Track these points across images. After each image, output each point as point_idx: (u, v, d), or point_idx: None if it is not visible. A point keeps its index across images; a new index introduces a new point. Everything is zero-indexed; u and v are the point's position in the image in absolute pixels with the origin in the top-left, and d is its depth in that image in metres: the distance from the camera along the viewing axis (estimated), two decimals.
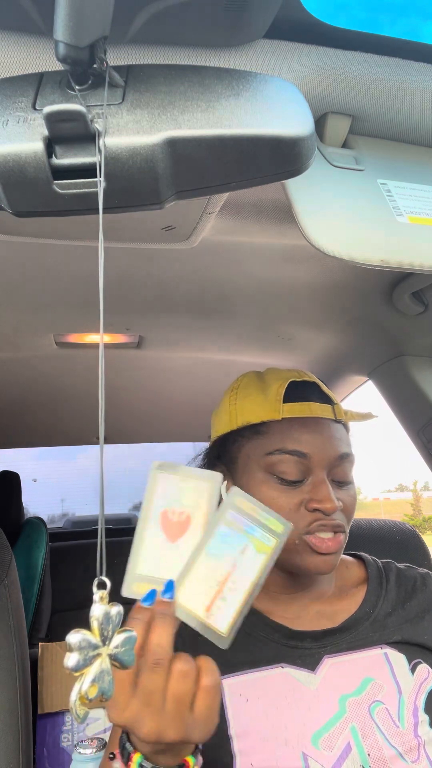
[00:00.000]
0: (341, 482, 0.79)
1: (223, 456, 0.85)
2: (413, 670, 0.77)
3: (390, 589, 0.83)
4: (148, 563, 0.58)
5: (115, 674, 0.47)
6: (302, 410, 0.78)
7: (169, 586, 0.55)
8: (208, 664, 0.55)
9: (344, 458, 0.79)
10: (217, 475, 0.59)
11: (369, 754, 0.70)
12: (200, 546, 0.57)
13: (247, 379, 0.87)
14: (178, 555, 0.57)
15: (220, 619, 0.56)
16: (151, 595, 0.55)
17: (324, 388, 0.84)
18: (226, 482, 0.84)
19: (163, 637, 0.53)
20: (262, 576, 0.57)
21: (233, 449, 0.83)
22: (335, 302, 1.22)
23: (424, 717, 0.74)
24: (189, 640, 0.79)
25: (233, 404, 0.84)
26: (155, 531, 0.58)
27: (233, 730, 0.73)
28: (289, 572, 0.80)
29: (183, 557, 0.57)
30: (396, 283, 1.12)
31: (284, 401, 0.78)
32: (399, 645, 0.79)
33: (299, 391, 0.81)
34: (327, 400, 0.82)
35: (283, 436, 0.77)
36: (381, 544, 1.06)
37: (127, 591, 0.56)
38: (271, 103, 0.46)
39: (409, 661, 0.77)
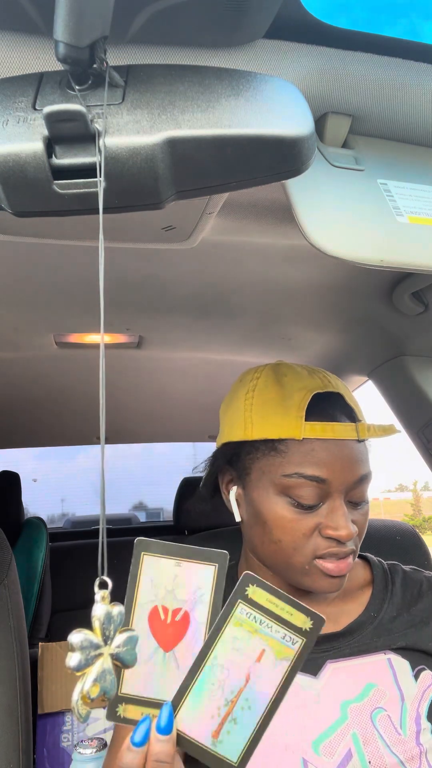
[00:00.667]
0: (357, 503, 0.76)
1: (235, 463, 0.80)
2: (416, 676, 0.76)
3: (395, 593, 0.82)
4: (137, 680, 0.45)
5: None
6: (325, 431, 0.72)
7: (166, 712, 0.44)
8: None
9: (363, 480, 0.75)
10: (223, 555, 0.47)
11: (370, 762, 0.70)
12: (203, 654, 0.46)
13: (264, 379, 0.79)
14: (175, 668, 0.45)
15: (232, 747, 0.45)
16: (144, 727, 0.44)
17: (348, 399, 0.79)
18: (236, 488, 0.81)
19: None
20: (284, 689, 0.47)
21: (246, 460, 0.77)
22: (335, 302, 1.22)
23: (426, 725, 0.73)
24: None
25: (248, 410, 0.77)
26: (144, 637, 0.45)
27: None
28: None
29: (181, 670, 0.45)
30: (396, 283, 1.12)
31: (306, 417, 0.72)
32: (403, 651, 0.77)
33: (323, 406, 0.75)
34: (351, 415, 0.77)
35: (302, 459, 0.72)
36: (381, 544, 1.06)
37: (111, 716, 0.45)
38: (271, 103, 0.46)
39: (413, 668, 0.76)
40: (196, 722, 0.45)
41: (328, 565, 0.72)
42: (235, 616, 0.46)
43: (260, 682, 0.46)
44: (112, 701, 0.45)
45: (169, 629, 0.46)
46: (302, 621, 0.46)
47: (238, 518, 0.81)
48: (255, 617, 0.46)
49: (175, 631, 0.46)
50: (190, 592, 0.46)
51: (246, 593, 0.47)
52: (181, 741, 0.45)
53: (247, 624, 0.46)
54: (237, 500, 0.81)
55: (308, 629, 0.46)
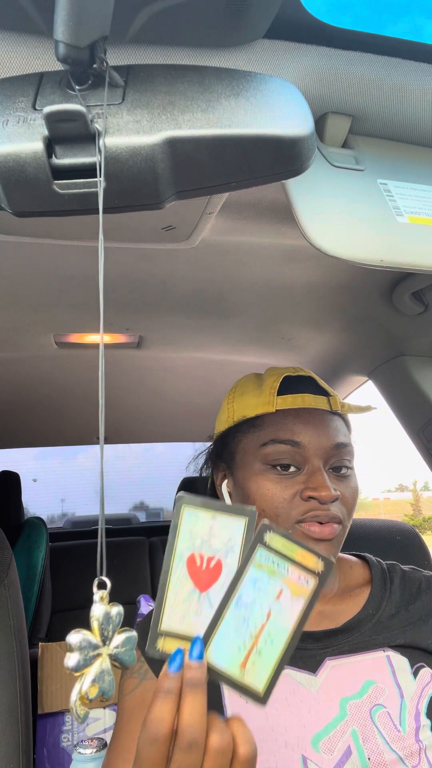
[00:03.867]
0: (340, 473, 0.79)
1: (223, 453, 0.85)
2: (415, 674, 0.76)
3: (394, 591, 0.83)
4: (175, 617, 0.51)
5: (149, 752, 0.44)
6: (295, 402, 0.78)
7: (197, 644, 0.50)
8: (244, 732, 0.50)
9: (341, 447, 0.79)
10: (252, 511, 0.52)
11: (369, 758, 0.70)
12: (228, 593, 0.50)
13: (245, 380, 0.88)
14: (208, 606, 0.51)
15: (257, 677, 0.50)
16: (178, 657, 0.50)
17: (320, 382, 0.85)
18: (227, 480, 0.85)
19: (195, 715, 0.48)
20: (302, 624, 0.51)
21: (231, 445, 0.83)
22: (335, 302, 1.22)
23: (425, 722, 0.73)
24: None
25: (231, 403, 0.85)
26: (182, 579, 0.51)
27: None
28: None
29: (214, 608, 0.51)
30: (396, 283, 1.12)
31: (278, 394, 0.79)
32: (401, 648, 0.78)
33: (294, 384, 0.82)
34: (323, 392, 0.83)
35: (276, 427, 0.78)
36: (381, 544, 1.06)
37: (151, 650, 0.50)
38: (271, 103, 0.46)
39: (412, 665, 0.77)
40: (225, 655, 0.50)
41: (312, 528, 0.74)
42: (255, 560, 0.51)
43: (280, 618, 0.51)
44: (151, 636, 0.50)
45: (204, 574, 0.51)
46: (314, 563, 0.51)
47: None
48: (273, 560, 0.51)
49: (209, 575, 0.51)
50: (223, 542, 0.51)
51: (264, 539, 0.51)
52: (212, 672, 0.50)
53: (267, 567, 0.51)
54: (229, 492, 0.85)
55: (320, 571, 0.51)
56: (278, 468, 0.77)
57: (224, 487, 0.84)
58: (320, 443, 0.77)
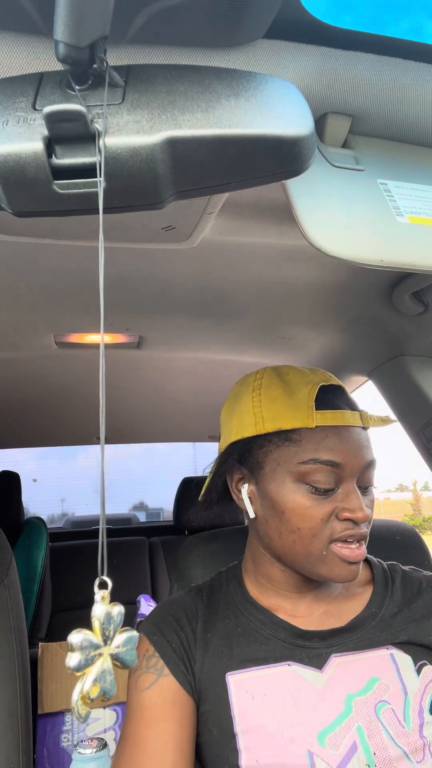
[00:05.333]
0: (366, 488, 0.79)
1: (246, 460, 0.82)
2: (419, 671, 0.77)
3: (396, 590, 0.83)
4: None
5: None
6: (335, 419, 0.76)
7: None
8: None
9: (371, 465, 0.79)
10: None
11: (375, 754, 0.71)
12: None
13: (268, 379, 0.83)
14: None
15: None
16: None
17: (348, 393, 0.84)
18: (247, 485, 0.82)
19: None
20: None
21: (259, 454, 0.79)
22: (335, 302, 1.22)
23: (429, 718, 0.74)
24: (200, 635, 0.80)
25: (258, 406, 0.80)
26: None
27: (239, 726, 0.73)
28: (303, 574, 0.80)
29: None
30: (396, 283, 1.12)
31: (315, 408, 0.76)
32: (405, 646, 0.79)
33: (329, 397, 0.79)
34: (353, 406, 0.81)
35: (316, 445, 0.75)
36: (381, 544, 1.06)
37: None
38: (271, 103, 0.46)
39: (415, 663, 0.78)
40: None
41: (345, 552, 0.74)
42: None
43: None
44: None
45: None
46: None
47: (252, 515, 0.81)
48: None
49: None
50: None
51: None
52: None
53: None
54: (249, 497, 0.81)
55: None
56: (314, 487, 0.75)
57: (245, 492, 0.82)
58: (357, 463, 0.76)
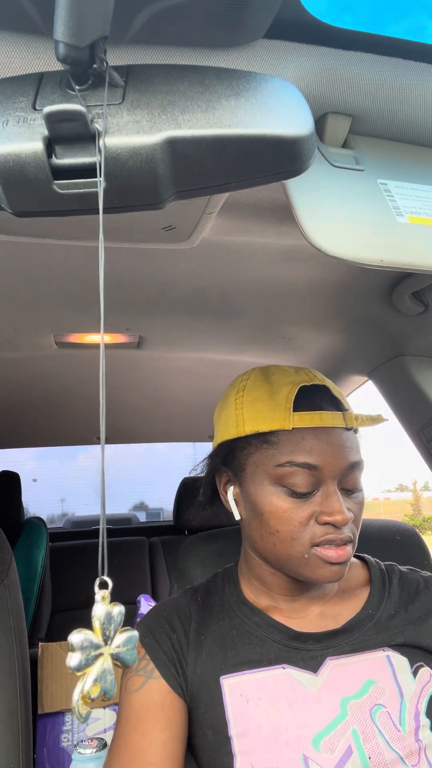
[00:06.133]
0: (351, 490, 0.77)
1: (230, 462, 0.82)
2: (415, 673, 0.76)
3: (393, 592, 0.83)
4: None
5: None
6: (313, 420, 0.75)
7: None
8: None
9: (355, 467, 0.76)
10: None
11: (370, 758, 0.70)
12: None
13: (253, 380, 0.83)
14: None
15: None
16: None
17: (335, 391, 0.81)
18: (233, 487, 0.82)
19: None
20: None
21: (241, 456, 0.80)
22: (335, 302, 1.22)
23: (425, 721, 0.74)
24: (193, 637, 0.79)
25: (239, 408, 0.80)
26: None
27: (233, 730, 0.73)
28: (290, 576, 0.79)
29: None
30: (396, 283, 1.12)
31: (294, 409, 0.75)
32: (401, 648, 0.78)
33: (309, 397, 0.78)
34: (338, 406, 0.79)
35: (293, 448, 0.74)
36: (381, 544, 1.06)
37: None
38: (271, 103, 0.46)
39: (411, 665, 0.77)
40: None
41: (328, 552, 0.73)
42: None
43: None
44: None
45: None
46: None
47: (237, 517, 0.82)
48: None
49: None
50: None
51: None
52: None
53: None
54: (235, 499, 0.82)
55: None
56: (291, 490, 0.74)
57: (230, 495, 0.82)
58: (337, 464, 0.75)
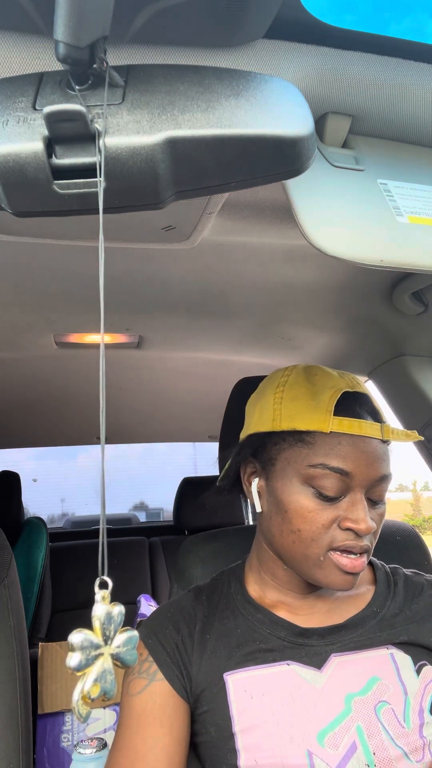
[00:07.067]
0: (376, 501, 0.77)
1: (260, 454, 0.82)
2: (418, 671, 0.77)
3: (398, 592, 0.84)
4: None
5: None
6: (351, 427, 0.75)
7: None
8: None
9: (384, 479, 0.77)
10: None
11: (374, 753, 0.71)
12: None
13: (294, 377, 0.82)
14: None
15: None
16: None
17: (374, 402, 0.81)
18: (257, 479, 0.82)
19: None
20: None
21: (273, 450, 0.80)
22: (335, 302, 1.22)
23: (429, 718, 0.74)
24: (198, 636, 0.80)
25: (278, 403, 0.79)
26: None
27: (238, 726, 0.73)
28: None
29: None
30: (396, 283, 1.12)
31: (335, 413, 0.75)
32: (405, 646, 0.79)
33: (350, 404, 0.78)
34: (376, 417, 0.80)
35: (328, 451, 0.74)
36: (381, 544, 1.06)
37: None
38: (271, 103, 0.46)
39: (415, 663, 0.78)
40: None
41: (343, 561, 0.73)
42: None
43: None
44: None
45: None
46: None
47: (258, 509, 0.82)
48: None
49: None
50: None
51: None
52: None
53: None
54: (259, 491, 0.82)
55: None
56: (320, 492, 0.74)
57: (254, 486, 0.82)
58: (368, 475, 0.75)
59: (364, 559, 0.75)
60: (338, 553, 0.73)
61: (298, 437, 0.77)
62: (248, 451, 0.84)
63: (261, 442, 0.82)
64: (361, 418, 0.77)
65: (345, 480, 0.74)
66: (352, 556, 0.74)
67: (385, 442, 0.78)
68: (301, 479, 0.75)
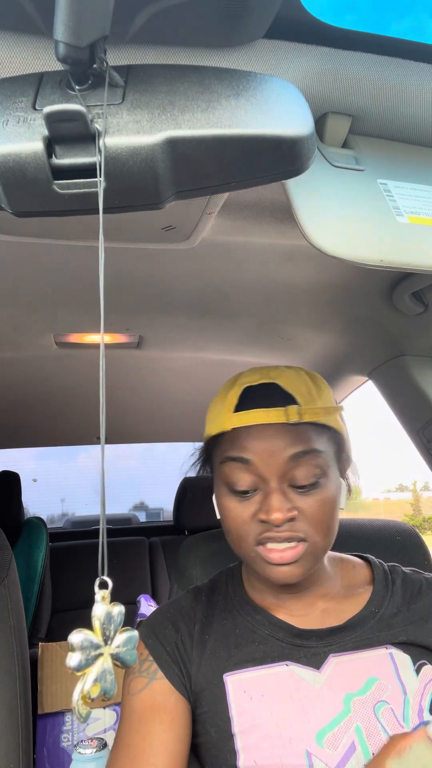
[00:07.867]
0: (303, 486, 0.74)
1: (207, 464, 0.87)
2: (418, 671, 0.77)
3: (396, 591, 0.83)
4: None
5: None
6: (246, 419, 0.75)
7: None
8: None
9: (299, 458, 0.73)
10: None
11: (373, 754, 0.70)
12: None
13: (226, 383, 0.84)
14: None
15: None
16: None
17: (289, 386, 0.77)
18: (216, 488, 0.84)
19: None
20: None
21: (212, 458, 0.84)
22: (335, 302, 1.22)
23: (428, 718, 0.74)
24: (197, 636, 0.80)
25: (210, 412, 0.83)
26: None
27: (237, 727, 0.73)
28: None
29: None
30: (396, 283, 1.12)
31: (236, 410, 0.76)
32: (404, 646, 0.78)
33: (255, 397, 0.77)
34: (284, 402, 0.76)
35: (230, 445, 0.76)
36: (381, 544, 1.06)
37: None
38: (271, 103, 0.46)
39: (414, 662, 0.77)
40: None
41: (270, 554, 0.73)
42: None
43: None
44: None
45: None
46: None
47: (218, 516, 0.83)
48: None
49: None
50: None
51: None
52: None
53: None
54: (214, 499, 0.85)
55: None
56: (232, 488, 0.75)
57: (214, 497, 0.83)
58: (272, 459, 0.73)
59: (299, 549, 0.72)
60: (262, 546, 0.74)
61: (215, 442, 0.81)
62: (203, 459, 0.88)
63: (206, 451, 0.86)
64: (259, 407, 0.75)
65: (251, 470, 0.74)
66: (280, 546, 0.72)
67: (297, 423, 0.74)
68: (220, 481, 0.78)
